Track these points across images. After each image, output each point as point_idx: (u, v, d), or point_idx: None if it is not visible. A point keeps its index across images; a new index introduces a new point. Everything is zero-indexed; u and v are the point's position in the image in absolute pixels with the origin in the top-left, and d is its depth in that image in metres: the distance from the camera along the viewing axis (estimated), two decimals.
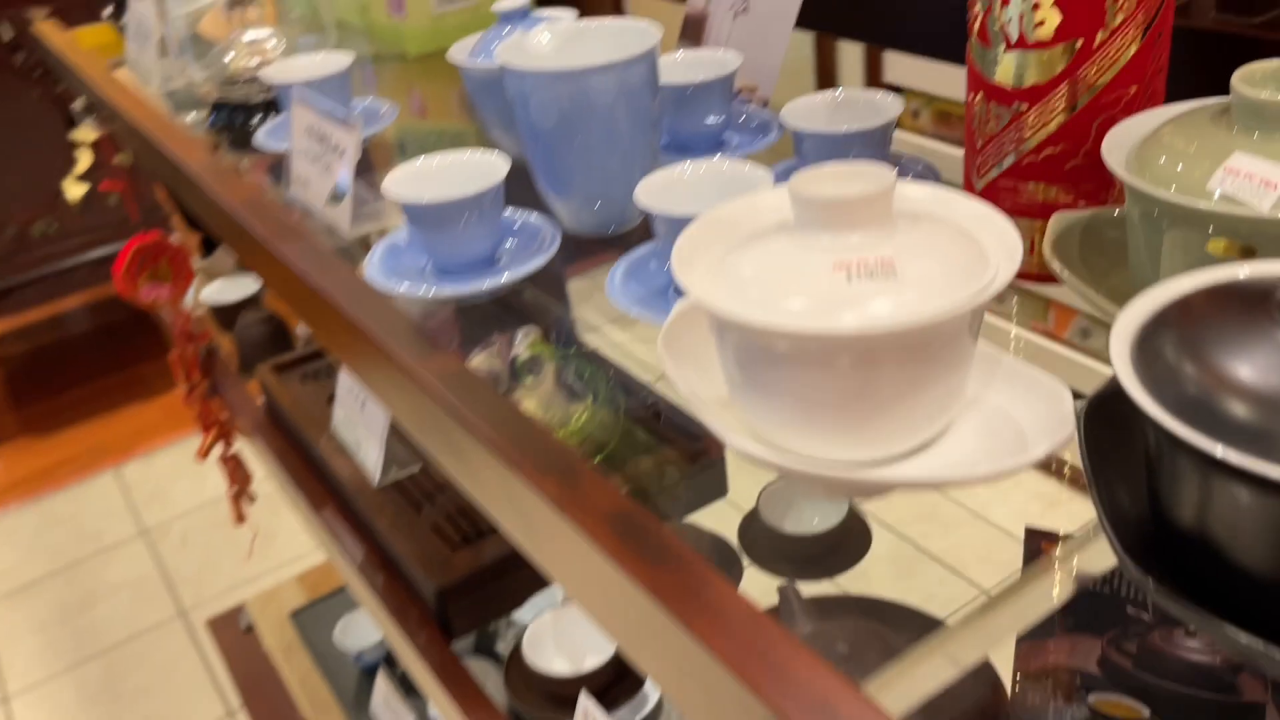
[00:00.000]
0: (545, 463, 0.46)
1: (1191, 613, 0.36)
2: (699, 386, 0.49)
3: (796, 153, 0.71)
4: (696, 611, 0.37)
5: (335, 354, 0.69)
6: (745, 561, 0.99)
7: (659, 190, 0.62)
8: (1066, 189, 0.58)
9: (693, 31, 0.92)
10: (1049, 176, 0.58)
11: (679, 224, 0.51)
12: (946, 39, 0.72)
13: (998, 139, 0.59)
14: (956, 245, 0.44)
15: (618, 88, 0.67)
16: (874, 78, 2.40)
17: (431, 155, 0.70)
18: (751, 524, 1.01)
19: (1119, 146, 0.52)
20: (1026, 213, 0.59)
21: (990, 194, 0.61)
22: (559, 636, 1.10)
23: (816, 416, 0.44)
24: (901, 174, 0.73)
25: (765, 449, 0.46)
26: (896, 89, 2.17)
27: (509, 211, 0.72)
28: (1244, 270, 0.40)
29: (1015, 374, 0.48)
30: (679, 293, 0.64)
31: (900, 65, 2.35)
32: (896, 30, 0.95)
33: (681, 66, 0.79)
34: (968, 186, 0.63)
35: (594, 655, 1.05)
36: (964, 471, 0.45)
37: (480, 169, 0.68)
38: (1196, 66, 0.63)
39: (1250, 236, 0.46)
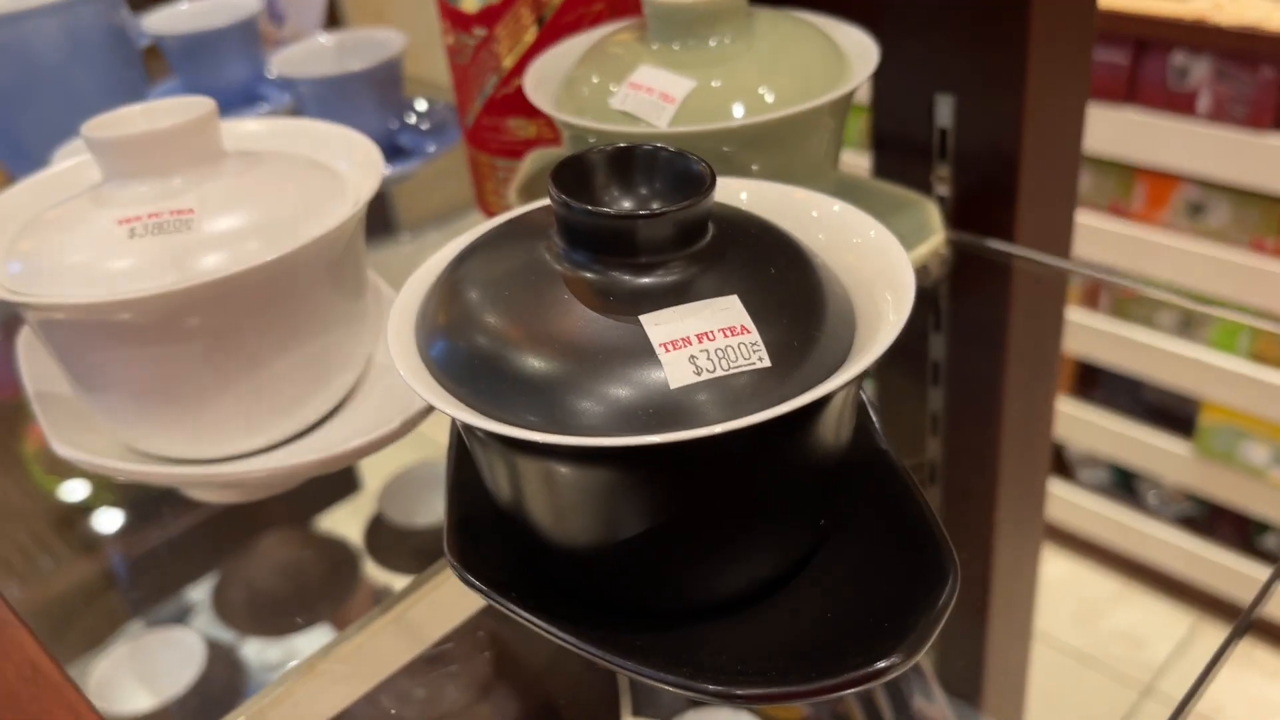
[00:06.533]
0: None
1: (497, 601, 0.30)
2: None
3: (300, 105, 0.62)
4: None
5: None
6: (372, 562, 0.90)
7: None
8: (549, 122, 0.52)
9: None
10: (527, 110, 0.52)
11: None
12: None
13: (472, 70, 0.52)
14: (305, 178, 0.37)
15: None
16: None
17: None
18: (378, 525, 0.93)
19: (549, 78, 0.46)
20: (513, 153, 0.53)
21: (476, 137, 0.54)
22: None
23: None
24: (420, 119, 0.65)
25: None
26: None
27: None
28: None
29: None
30: None
31: None
32: None
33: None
34: (466, 135, 0.56)
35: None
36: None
37: None
38: None
39: None
